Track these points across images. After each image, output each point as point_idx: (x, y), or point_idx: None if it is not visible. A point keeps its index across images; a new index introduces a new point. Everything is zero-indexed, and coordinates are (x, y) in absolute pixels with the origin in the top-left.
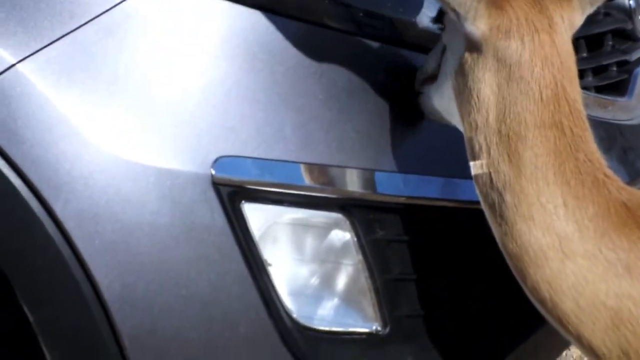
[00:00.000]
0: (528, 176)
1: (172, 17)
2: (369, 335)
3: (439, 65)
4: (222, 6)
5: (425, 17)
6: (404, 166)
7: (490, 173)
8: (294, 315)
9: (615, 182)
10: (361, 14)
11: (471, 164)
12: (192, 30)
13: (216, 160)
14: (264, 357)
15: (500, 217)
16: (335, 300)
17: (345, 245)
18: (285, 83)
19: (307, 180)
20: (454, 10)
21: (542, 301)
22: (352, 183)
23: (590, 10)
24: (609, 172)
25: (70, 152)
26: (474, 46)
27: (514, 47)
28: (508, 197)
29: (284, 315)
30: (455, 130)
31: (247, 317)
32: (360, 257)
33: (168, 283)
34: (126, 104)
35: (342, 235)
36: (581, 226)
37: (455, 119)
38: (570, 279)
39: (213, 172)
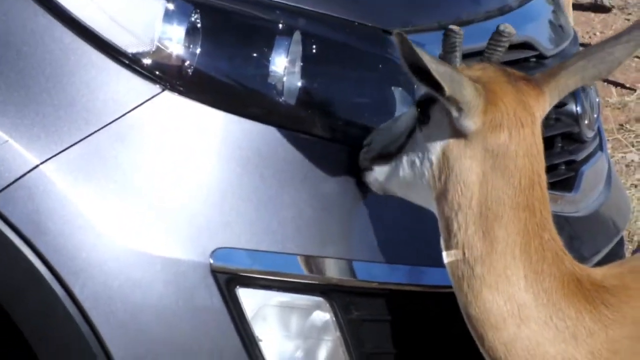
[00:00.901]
0: (499, 251)
1: (173, 125)
2: None
3: (398, 146)
4: (218, 115)
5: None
6: (377, 255)
7: (463, 247)
8: None
9: (570, 258)
10: (341, 123)
11: (445, 238)
12: (192, 136)
13: (214, 251)
14: None
15: (468, 285)
16: None
17: (325, 323)
18: (274, 184)
19: (292, 269)
20: (457, 106)
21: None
22: (331, 271)
23: (555, 101)
24: (565, 250)
25: (87, 242)
26: (461, 136)
27: (502, 140)
28: (478, 269)
29: None
30: (421, 219)
31: None
32: (338, 334)
33: (174, 355)
34: (135, 201)
35: (322, 316)
36: (537, 296)
37: (420, 199)
38: (524, 342)
39: (211, 261)
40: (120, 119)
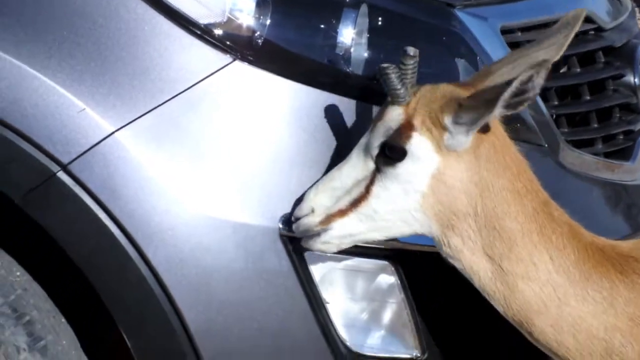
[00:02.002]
0: (519, 243)
1: (243, 94)
2: None
3: (354, 199)
4: (287, 84)
5: None
6: None
7: (484, 253)
8: (348, 344)
9: (582, 228)
10: None
11: (457, 250)
12: (261, 105)
13: (283, 216)
14: None
15: (501, 284)
16: (382, 332)
17: (390, 286)
18: (340, 152)
19: None
20: (475, 123)
21: (549, 342)
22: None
23: None
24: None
25: (160, 207)
26: (451, 154)
27: (490, 141)
28: (505, 265)
29: (339, 344)
30: None
31: (309, 346)
32: (402, 296)
33: (243, 317)
34: (206, 167)
35: (387, 279)
36: (568, 273)
37: (409, 230)
38: (568, 320)
39: (280, 226)
40: (193, 87)
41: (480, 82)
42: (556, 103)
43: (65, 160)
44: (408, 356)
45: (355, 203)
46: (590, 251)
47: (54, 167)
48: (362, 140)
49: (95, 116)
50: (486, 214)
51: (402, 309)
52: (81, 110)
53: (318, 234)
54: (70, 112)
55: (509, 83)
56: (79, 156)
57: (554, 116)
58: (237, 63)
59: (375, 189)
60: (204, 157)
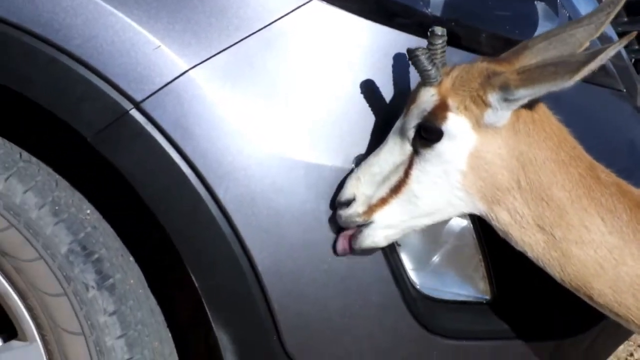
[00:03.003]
0: (569, 210)
1: (321, 33)
2: (480, 304)
3: (394, 185)
4: (365, 25)
5: None
6: None
7: (535, 224)
8: (418, 287)
9: (630, 186)
10: (485, 36)
11: (510, 228)
12: (339, 44)
13: (356, 157)
14: (392, 321)
15: (556, 252)
16: (453, 275)
17: (462, 229)
18: None
19: None
20: (531, 97)
21: (609, 304)
22: None
23: None
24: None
25: (232, 147)
26: (489, 130)
27: (528, 114)
28: (558, 234)
29: (409, 286)
30: None
31: (379, 288)
32: (474, 239)
33: (312, 259)
34: (280, 107)
35: (459, 222)
36: (621, 233)
37: (454, 212)
38: (626, 279)
39: (353, 166)
40: (269, 26)
41: (515, 58)
42: (636, 47)
43: (138, 98)
44: (477, 300)
45: (396, 189)
46: None
47: (127, 105)
48: (397, 124)
49: (170, 54)
50: (531, 186)
51: (474, 253)
52: (156, 47)
53: (362, 229)
54: (145, 50)
55: (592, 55)
56: (152, 94)
57: (633, 60)
58: (316, 2)
59: (415, 172)
60: (278, 97)
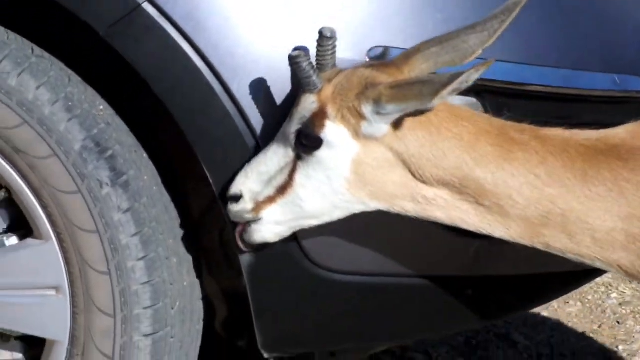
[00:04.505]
0: (493, 182)
1: None
2: None
3: (279, 186)
4: None
5: None
6: (532, 57)
7: (454, 198)
8: None
9: (554, 130)
10: None
11: (422, 210)
12: None
13: (371, 49)
14: None
15: (490, 214)
16: None
17: None
18: None
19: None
20: (400, 112)
21: (569, 247)
22: (485, 71)
23: None
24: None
25: (245, 39)
26: (370, 140)
27: (411, 123)
28: (486, 202)
29: None
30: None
31: None
32: None
33: None
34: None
35: None
36: (562, 181)
37: (344, 212)
38: (578, 223)
39: (367, 59)
40: None
41: (405, 62)
42: None
43: None
44: None
45: (282, 190)
46: (575, 151)
47: None
48: (283, 127)
49: None
50: (436, 177)
51: None
52: None
53: (250, 224)
54: None
55: (452, 78)
56: None
57: None
58: None
59: (299, 177)
60: None
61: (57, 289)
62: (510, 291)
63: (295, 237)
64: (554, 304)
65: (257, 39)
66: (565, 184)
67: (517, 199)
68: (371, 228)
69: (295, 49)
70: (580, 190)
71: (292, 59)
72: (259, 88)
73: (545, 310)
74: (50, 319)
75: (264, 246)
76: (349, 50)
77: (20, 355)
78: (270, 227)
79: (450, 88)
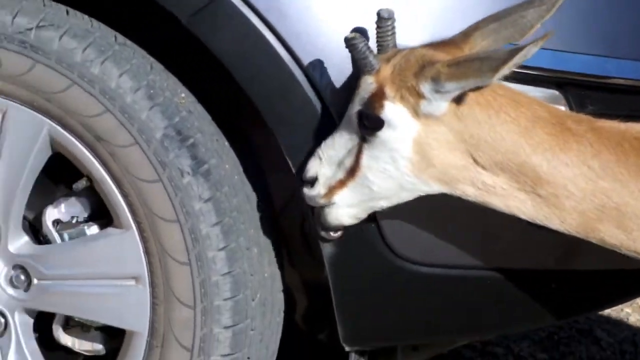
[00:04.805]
0: (548, 171)
1: None
2: None
3: (349, 169)
4: None
5: None
6: (615, 51)
7: (511, 187)
8: None
9: (609, 122)
10: None
11: (483, 195)
12: None
13: None
14: None
15: (547, 206)
16: None
17: None
18: None
19: (529, 60)
20: (459, 90)
21: (624, 242)
22: (568, 64)
23: None
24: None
25: (326, 27)
26: (430, 117)
27: (471, 102)
28: (542, 192)
29: None
30: None
31: None
32: None
33: None
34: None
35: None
36: (615, 175)
37: (410, 194)
38: (633, 217)
39: None
40: None
41: (464, 40)
42: None
43: None
44: None
45: (351, 173)
46: (629, 145)
47: None
48: (347, 110)
49: None
50: (494, 160)
51: None
52: None
53: (326, 206)
54: None
55: (511, 54)
56: None
57: None
58: None
59: (365, 158)
60: None
61: (136, 279)
62: (594, 287)
63: (378, 228)
64: (639, 300)
65: (338, 27)
66: (619, 178)
67: (571, 189)
68: (454, 219)
69: (352, 30)
70: (634, 185)
71: (347, 41)
72: (339, 75)
73: (629, 307)
74: (130, 310)
75: (344, 229)
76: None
77: (100, 346)
78: (344, 210)
79: (510, 64)
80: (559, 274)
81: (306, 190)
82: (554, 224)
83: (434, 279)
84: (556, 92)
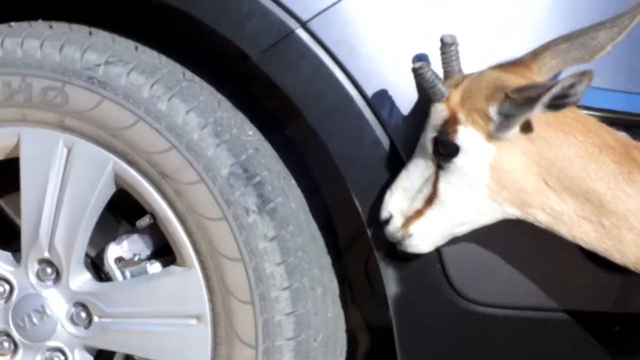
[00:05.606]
0: (612, 200)
1: None
2: None
3: (426, 198)
4: None
5: None
6: None
7: (577, 215)
8: None
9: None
10: None
11: (551, 223)
12: None
13: None
14: None
15: (609, 238)
16: None
17: None
18: None
19: (599, 103)
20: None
21: None
22: (636, 107)
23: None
24: None
25: (396, 66)
26: (502, 141)
27: (541, 124)
28: (605, 222)
29: None
30: None
31: None
32: None
33: None
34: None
35: None
36: None
37: (489, 218)
38: None
39: None
40: None
41: (534, 60)
42: None
43: (304, 17)
44: None
45: (429, 201)
46: None
47: (293, 24)
48: (420, 141)
49: None
50: (562, 185)
51: None
52: None
53: (403, 239)
54: None
55: (549, 87)
56: (318, 13)
57: None
58: None
59: (442, 185)
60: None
61: (198, 317)
62: None
63: (443, 269)
64: None
65: (408, 66)
66: None
67: (633, 222)
68: (519, 260)
69: (417, 59)
70: None
71: (415, 71)
72: (409, 117)
73: None
74: (191, 349)
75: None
76: None
77: None
78: (422, 240)
79: (549, 95)
80: (623, 316)
81: (385, 229)
82: (615, 257)
83: (499, 320)
84: (624, 134)
